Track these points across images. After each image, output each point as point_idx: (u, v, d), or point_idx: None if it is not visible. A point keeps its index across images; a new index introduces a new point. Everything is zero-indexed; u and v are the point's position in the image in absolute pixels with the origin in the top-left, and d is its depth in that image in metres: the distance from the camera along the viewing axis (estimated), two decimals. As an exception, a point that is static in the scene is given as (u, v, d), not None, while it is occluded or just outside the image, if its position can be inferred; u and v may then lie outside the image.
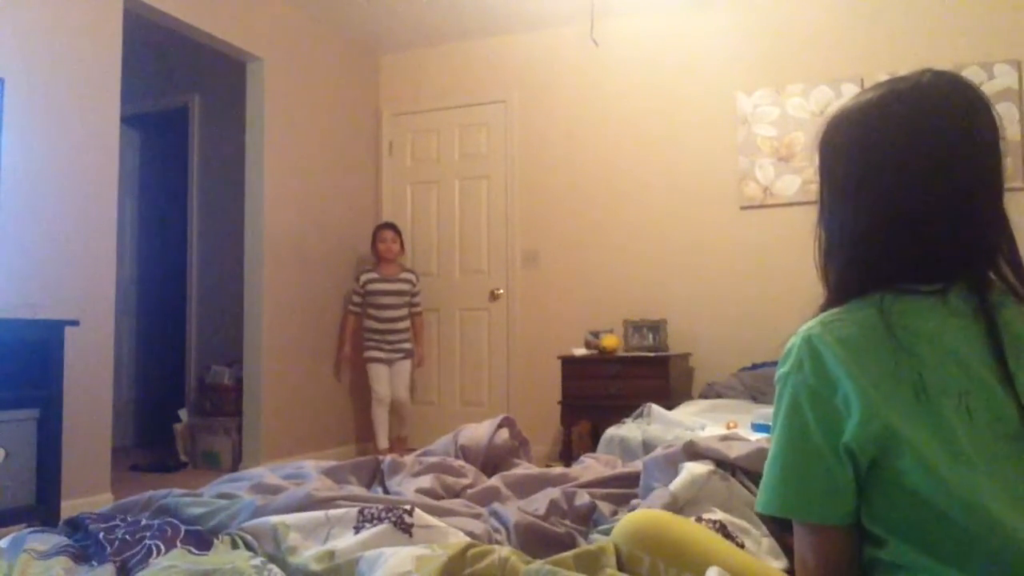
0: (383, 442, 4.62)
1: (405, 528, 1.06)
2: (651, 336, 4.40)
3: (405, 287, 4.80)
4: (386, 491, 1.56)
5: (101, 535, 1.10)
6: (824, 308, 0.96)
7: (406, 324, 4.82)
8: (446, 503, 1.40)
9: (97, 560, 1.06)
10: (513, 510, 1.31)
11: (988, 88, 4.07)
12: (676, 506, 1.24)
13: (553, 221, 4.97)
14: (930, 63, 3.98)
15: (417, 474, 1.59)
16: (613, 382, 4.21)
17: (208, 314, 5.18)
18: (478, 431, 1.88)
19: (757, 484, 1.39)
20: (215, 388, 4.74)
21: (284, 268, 4.57)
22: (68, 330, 2.99)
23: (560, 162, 4.98)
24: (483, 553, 0.97)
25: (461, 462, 1.71)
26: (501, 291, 5.06)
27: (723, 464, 1.40)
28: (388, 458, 1.68)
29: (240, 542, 1.09)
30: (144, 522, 1.16)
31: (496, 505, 1.38)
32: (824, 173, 1.00)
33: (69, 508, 2.97)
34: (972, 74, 4.10)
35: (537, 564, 0.98)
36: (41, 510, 2.77)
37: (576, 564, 0.99)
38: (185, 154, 5.35)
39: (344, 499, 1.20)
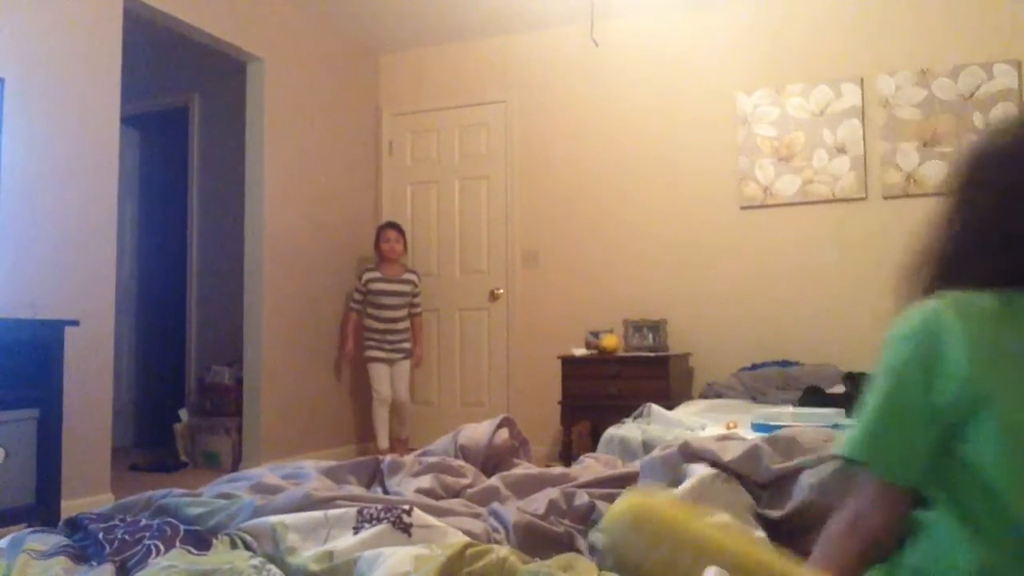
0: (383, 442, 4.62)
1: (404, 528, 1.06)
2: (651, 336, 4.40)
3: (407, 287, 4.79)
4: (386, 491, 1.56)
5: (100, 535, 1.10)
6: (928, 291, 1.04)
7: (406, 324, 4.82)
8: (445, 503, 1.40)
9: (96, 560, 1.06)
10: (512, 510, 1.31)
11: (988, 88, 4.07)
12: None
13: (553, 221, 4.98)
14: (930, 63, 3.98)
15: (417, 474, 1.59)
16: (613, 382, 4.21)
17: (208, 314, 5.18)
18: (478, 431, 1.88)
19: (749, 489, 1.40)
20: (215, 388, 4.74)
21: (284, 268, 4.57)
22: (68, 330, 2.99)
23: (560, 162, 4.98)
24: (481, 553, 0.97)
25: (461, 462, 1.71)
26: (501, 291, 5.06)
27: (718, 466, 1.41)
28: (388, 458, 1.68)
29: (239, 542, 1.09)
30: (144, 522, 1.16)
31: (495, 505, 1.38)
32: (964, 200, 1.09)
33: (69, 508, 2.97)
34: (972, 74, 4.10)
35: (535, 564, 0.98)
36: (41, 510, 2.77)
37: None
38: (185, 154, 5.35)
39: (343, 499, 1.20)
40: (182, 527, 1.11)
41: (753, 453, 1.41)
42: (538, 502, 1.35)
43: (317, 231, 4.87)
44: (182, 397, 5.17)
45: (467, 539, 1.03)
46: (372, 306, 4.74)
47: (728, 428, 2.77)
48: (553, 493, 1.38)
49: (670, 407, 3.58)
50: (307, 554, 1.03)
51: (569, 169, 4.96)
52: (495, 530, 1.27)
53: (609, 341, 4.35)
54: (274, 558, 1.05)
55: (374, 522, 1.07)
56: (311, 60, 4.85)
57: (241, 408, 4.45)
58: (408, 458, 1.70)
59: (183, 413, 4.84)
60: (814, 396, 3.43)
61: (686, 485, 1.30)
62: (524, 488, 1.54)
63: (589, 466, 1.74)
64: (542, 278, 4.98)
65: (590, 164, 4.91)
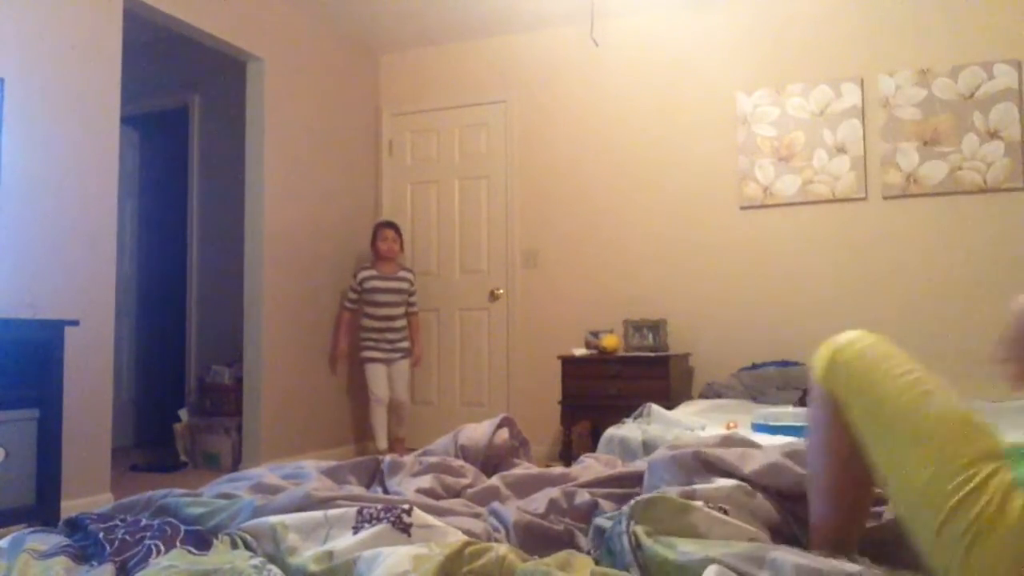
0: (382, 443, 4.62)
1: (404, 528, 1.06)
2: (651, 336, 4.40)
3: (404, 285, 4.79)
4: (386, 491, 1.56)
5: (101, 535, 1.10)
6: None
7: (404, 323, 4.81)
8: (445, 503, 1.40)
9: (97, 560, 1.06)
10: (512, 510, 1.31)
11: (988, 88, 4.07)
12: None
13: (553, 221, 4.98)
14: (930, 63, 3.99)
15: (417, 474, 1.59)
16: (613, 382, 4.21)
17: (208, 314, 5.18)
18: (478, 431, 1.88)
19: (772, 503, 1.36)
20: (215, 388, 4.74)
21: (284, 268, 4.57)
22: (68, 330, 2.99)
23: (560, 162, 4.98)
24: (480, 551, 0.97)
25: (461, 462, 1.71)
26: (501, 291, 5.06)
27: (737, 477, 1.36)
28: (388, 458, 1.68)
29: (240, 542, 1.09)
30: (144, 522, 1.16)
31: (495, 504, 1.38)
32: None
33: (69, 508, 2.97)
34: (972, 74, 4.10)
35: (533, 562, 0.98)
36: (41, 510, 2.77)
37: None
38: (185, 154, 5.36)
39: (343, 499, 1.20)
40: (182, 527, 1.11)
41: (776, 466, 1.35)
42: (538, 502, 1.35)
43: (317, 231, 4.87)
44: (182, 397, 5.17)
45: (466, 538, 1.03)
46: (369, 305, 4.71)
47: (728, 428, 2.77)
48: (553, 492, 1.38)
49: (670, 407, 3.58)
50: (307, 554, 1.03)
51: (569, 169, 4.96)
52: (495, 530, 1.27)
53: (609, 341, 4.35)
54: (274, 558, 1.05)
55: (374, 522, 1.07)
56: (311, 60, 4.85)
57: (241, 408, 4.45)
58: (408, 458, 1.70)
59: (183, 413, 4.84)
60: (814, 396, 3.42)
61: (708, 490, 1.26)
62: (524, 488, 1.54)
63: (589, 466, 1.74)
64: (542, 278, 4.98)
65: (590, 164, 4.91)
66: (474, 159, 5.21)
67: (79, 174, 3.38)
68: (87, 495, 3.29)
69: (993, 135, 4.05)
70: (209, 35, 4.12)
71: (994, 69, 4.06)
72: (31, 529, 1.18)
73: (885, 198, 4.26)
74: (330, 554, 1.01)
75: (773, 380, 4.02)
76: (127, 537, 1.08)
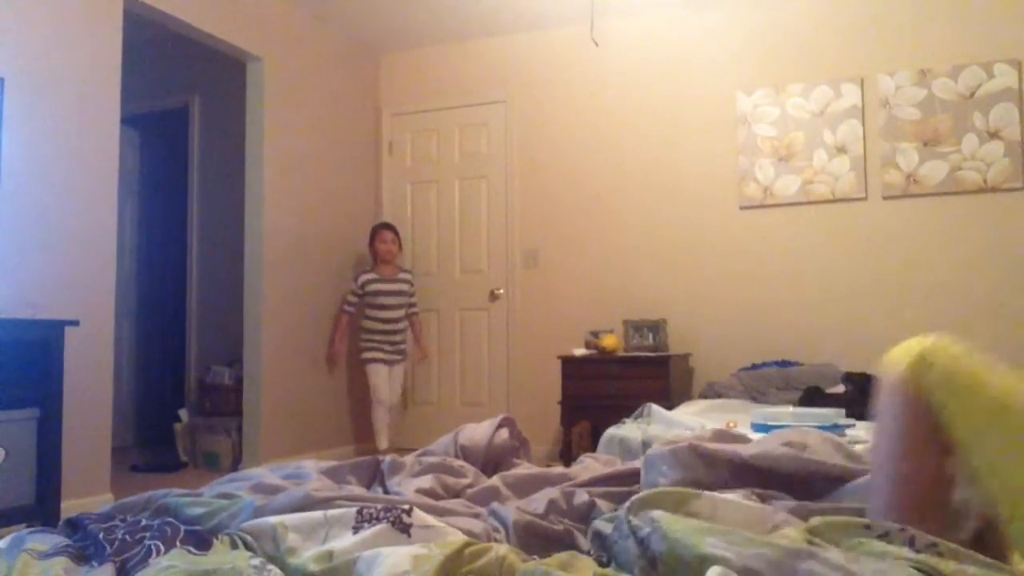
0: (383, 443, 4.62)
1: (404, 528, 1.06)
2: (651, 336, 4.40)
3: (404, 287, 4.79)
4: (386, 491, 1.56)
5: (100, 535, 1.10)
6: None
7: (405, 325, 4.82)
8: (445, 503, 1.40)
9: (97, 560, 1.06)
10: (512, 510, 1.31)
11: (988, 88, 4.07)
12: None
13: (553, 221, 4.98)
14: (930, 63, 3.99)
15: (417, 474, 1.59)
16: (613, 382, 4.21)
17: (208, 314, 5.18)
18: (478, 431, 1.88)
19: (769, 483, 1.34)
20: (215, 388, 4.74)
21: (284, 268, 4.57)
22: (68, 330, 2.99)
23: (560, 162, 4.98)
24: (480, 552, 0.97)
25: (461, 462, 1.71)
26: (501, 291, 5.06)
27: (741, 466, 1.36)
28: (388, 458, 1.68)
29: (240, 542, 1.09)
30: (144, 522, 1.16)
31: (495, 505, 1.38)
32: None
33: (69, 508, 2.97)
34: (972, 74, 4.10)
35: (533, 563, 0.98)
36: (41, 510, 2.78)
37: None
38: (185, 154, 5.36)
39: (343, 499, 1.20)
40: (182, 527, 1.11)
41: (770, 450, 1.36)
42: (538, 502, 1.35)
43: (317, 231, 4.87)
44: (182, 397, 5.18)
45: (466, 538, 1.03)
46: (372, 308, 4.70)
47: (728, 428, 2.77)
48: (553, 492, 1.38)
49: (670, 407, 3.58)
50: (307, 554, 1.03)
51: (569, 169, 4.96)
52: (495, 530, 1.27)
53: (609, 341, 4.35)
54: (274, 558, 1.05)
55: (373, 522, 1.07)
56: (311, 60, 4.85)
57: (241, 408, 4.45)
58: (408, 458, 1.70)
59: (183, 413, 4.84)
60: (814, 396, 3.43)
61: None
62: (524, 488, 1.54)
63: (589, 466, 1.74)
64: (542, 278, 4.98)
65: (590, 164, 4.91)
66: (474, 159, 5.21)
67: (79, 174, 3.38)
68: (87, 495, 3.29)
69: (993, 135, 4.05)
70: (209, 35, 4.12)
71: (994, 69, 4.06)
72: (31, 529, 1.18)
73: (885, 198, 4.26)
74: (330, 554, 1.00)
75: (773, 380, 4.02)
76: (127, 537, 1.08)
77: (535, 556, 1.07)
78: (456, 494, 1.54)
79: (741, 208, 4.54)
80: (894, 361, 1.17)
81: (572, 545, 1.23)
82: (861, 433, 2.48)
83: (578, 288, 4.88)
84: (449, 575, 0.93)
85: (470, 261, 5.18)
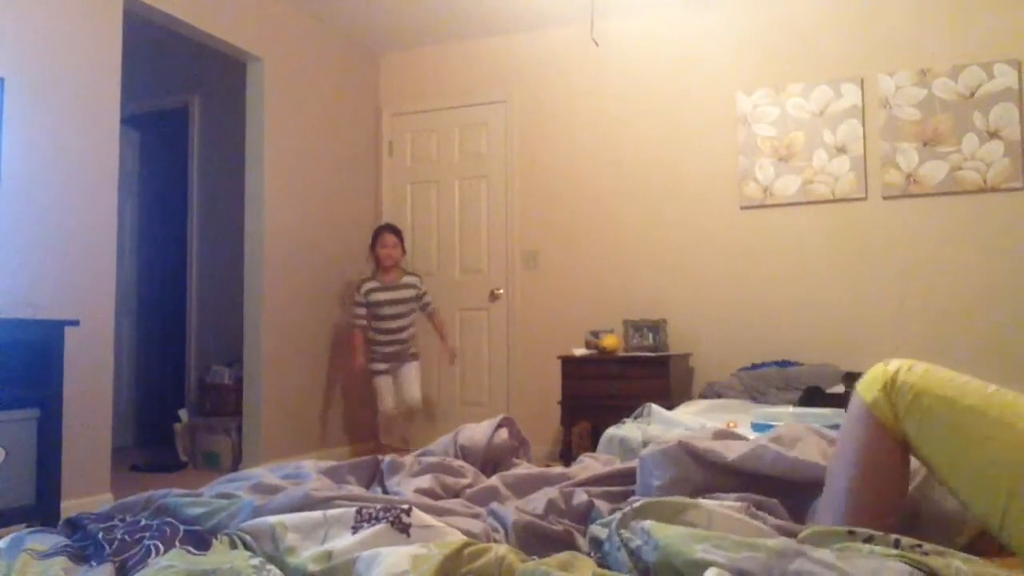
0: (385, 439, 4.63)
1: (403, 528, 1.06)
2: (651, 336, 4.40)
3: (409, 293, 4.61)
4: (385, 491, 1.56)
5: (100, 535, 1.10)
6: None
7: (412, 331, 4.65)
8: (444, 503, 1.40)
9: (96, 560, 1.06)
10: (511, 509, 1.31)
11: (988, 88, 4.07)
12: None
13: (553, 221, 4.98)
14: (930, 63, 3.99)
15: (416, 474, 1.59)
16: (613, 382, 4.21)
17: (208, 314, 5.18)
18: (478, 431, 1.88)
19: (752, 487, 1.37)
20: (215, 388, 4.74)
21: (284, 268, 4.57)
22: (68, 330, 2.99)
23: (560, 162, 4.98)
24: (480, 552, 0.97)
25: (460, 462, 1.71)
26: (501, 291, 5.06)
27: (723, 467, 1.38)
28: (387, 458, 1.68)
29: (239, 542, 1.09)
30: (143, 522, 1.16)
31: (494, 505, 1.38)
32: None
33: (69, 508, 2.97)
34: (972, 74, 4.10)
35: (532, 563, 0.98)
36: (41, 510, 2.78)
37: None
38: (185, 154, 5.36)
39: (342, 499, 1.20)
40: (182, 527, 1.11)
41: (758, 449, 1.38)
42: (537, 502, 1.35)
43: (317, 231, 4.87)
44: (182, 397, 5.18)
45: (465, 538, 1.03)
46: (375, 318, 4.57)
47: (728, 428, 2.77)
48: (552, 492, 1.38)
49: (670, 407, 3.58)
50: (306, 554, 1.03)
51: (569, 169, 4.96)
52: (494, 530, 1.27)
53: (609, 341, 4.35)
54: (273, 558, 1.05)
55: (372, 522, 1.07)
56: (311, 60, 4.85)
57: (241, 408, 4.45)
58: (408, 458, 1.70)
59: (183, 413, 4.84)
60: (814, 396, 3.43)
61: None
62: (523, 488, 1.54)
63: (588, 466, 1.74)
64: (542, 278, 4.98)
65: (590, 164, 4.91)
66: (474, 159, 5.21)
67: (79, 174, 3.38)
68: (87, 495, 3.29)
69: (993, 135, 4.05)
70: (209, 35, 4.12)
71: (994, 69, 4.06)
72: (31, 529, 1.18)
73: (885, 198, 4.26)
74: (329, 554, 1.00)
75: (773, 380, 4.02)
76: (126, 537, 1.08)
77: (534, 556, 1.07)
78: (455, 494, 1.54)
79: (741, 208, 4.54)
80: (863, 387, 1.19)
81: (571, 545, 1.23)
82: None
83: (578, 288, 4.88)
84: (448, 575, 0.93)
85: (470, 261, 5.18)
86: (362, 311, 4.57)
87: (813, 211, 4.41)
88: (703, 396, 4.20)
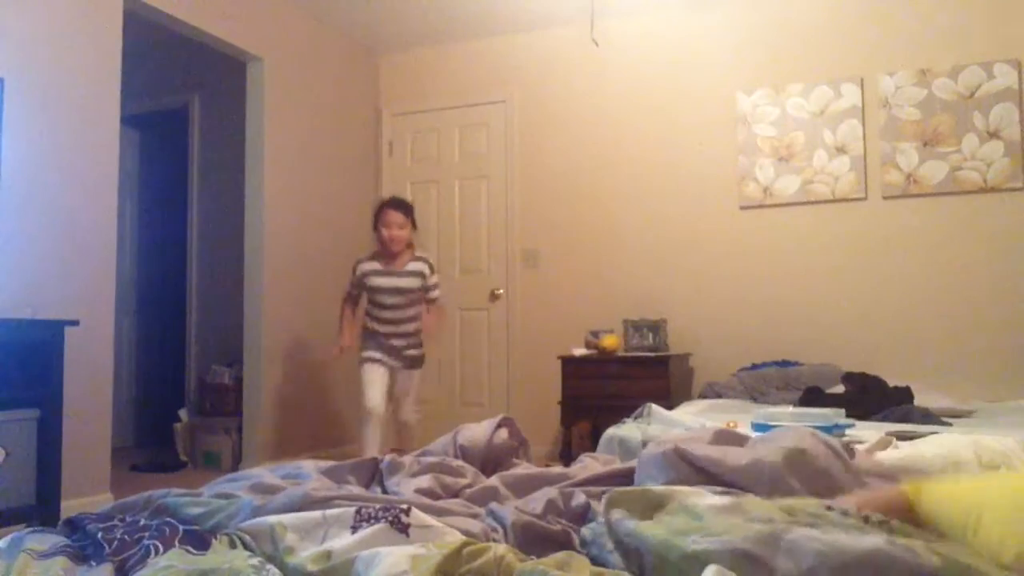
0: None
1: (402, 528, 1.06)
2: (651, 336, 4.40)
3: (415, 282, 3.79)
4: (385, 491, 1.56)
5: (99, 535, 1.10)
6: None
7: (416, 326, 3.84)
8: (444, 503, 1.40)
9: (95, 560, 1.06)
10: (511, 509, 1.31)
11: (988, 88, 4.07)
12: None
13: (553, 221, 4.98)
14: (930, 63, 4.00)
15: (416, 474, 1.59)
16: (613, 382, 4.21)
17: (208, 314, 5.18)
18: (477, 431, 1.88)
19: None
20: (215, 388, 4.74)
21: (284, 268, 4.57)
22: (68, 330, 2.99)
23: (560, 162, 4.98)
24: (479, 551, 0.97)
25: (460, 462, 1.71)
26: (501, 291, 5.06)
27: (717, 479, 1.36)
28: (387, 458, 1.68)
29: (238, 542, 1.09)
30: (143, 522, 1.16)
31: (494, 505, 1.38)
32: None
33: (69, 508, 2.97)
34: (972, 74, 4.10)
35: (531, 562, 0.98)
36: (41, 510, 2.78)
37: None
38: (185, 154, 5.36)
39: (341, 499, 1.20)
40: (181, 527, 1.11)
41: (757, 463, 1.35)
42: (536, 502, 1.35)
43: (317, 231, 4.87)
44: (182, 397, 5.18)
45: (464, 538, 1.03)
46: (372, 304, 3.81)
47: (728, 428, 2.76)
48: (551, 492, 1.38)
49: (670, 407, 3.58)
50: (305, 554, 1.03)
51: (569, 169, 4.96)
52: (493, 530, 1.27)
53: (609, 341, 4.35)
54: (273, 558, 1.05)
55: (372, 522, 1.07)
56: (311, 60, 4.85)
57: (241, 408, 4.45)
58: (407, 458, 1.70)
59: (183, 413, 4.84)
60: (814, 396, 3.43)
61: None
62: (523, 488, 1.54)
63: (588, 466, 1.74)
64: (542, 278, 4.98)
65: (590, 164, 4.91)
66: (474, 159, 5.21)
67: (79, 174, 3.38)
68: (87, 495, 3.29)
69: (993, 135, 4.05)
70: (209, 35, 4.12)
71: (994, 69, 4.06)
72: (31, 529, 1.18)
73: (885, 198, 4.26)
74: (328, 554, 1.01)
75: (773, 380, 4.02)
76: (126, 537, 1.08)
77: (533, 556, 1.07)
78: (455, 494, 1.54)
79: (741, 208, 4.54)
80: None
81: (570, 545, 1.23)
82: (861, 433, 2.48)
83: (578, 288, 4.88)
84: (447, 575, 0.93)
85: (470, 261, 5.18)
86: (355, 291, 3.88)
87: (813, 211, 4.40)
88: (703, 396, 4.19)
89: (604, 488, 1.46)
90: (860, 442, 2.21)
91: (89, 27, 3.45)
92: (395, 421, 3.89)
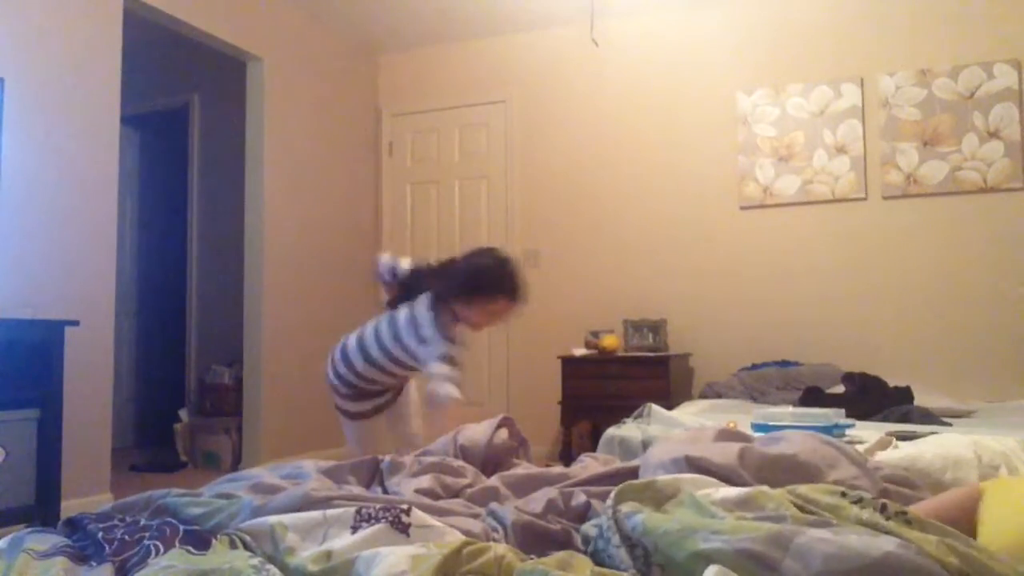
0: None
1: (402, 528, 1.06)
2: (651, 336, 4.40)
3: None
4: (385, 491, 1.55)
5: (100, 535, 1.10)
6: None
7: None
8: (444, 503, 1.40)
9: (96, 560, 1.06)
10: (511, 509, 1.31)
11: (988, 88, 4.07)
12: None
13: (553, 221, 4.97)
14: (930, 63, 4.00)
15: (416, 474, 1.59)
16: (613, 382, 4.21)
17: (208, 314, 5.18)
18: (478, 431, 1.88)
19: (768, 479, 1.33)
20: (215, 388, 4.74)
21: (284, 268, 4.57)
22: (68, 330, 2.99)
23: (560, 162, 4.98)
24: (479, 551, 0.97)
25: (460, 462, 1.71)
26: (501, 291, 5.05)
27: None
28: (387, 458, 1.68)
29: (239, 542, 1.09)
30: (143, 522, 1.16)
31: (494, 505, 1.38)
32: None
33: (69, 508, 2.97)
34: (972, 74, 4.10)
35: (531, 562, 0.98)
36: (41, 510, 2.77)
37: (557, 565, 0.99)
38: (185, 154, 5.36)
39: (342, 499, 1.20)
40: (181, 527, 1.11)
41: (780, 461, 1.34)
42: (537, 502, 1.35)
43: (317, 231, 4.87)
44: (182, 397, 5.17)
45: (464, 538, 1.03)
46: (374, 366, 2.71)
47: (728, 427, 2.76)
48: (552, 492, 1.38)
49: (670, 407, 3.58)
50: (305, 555, 1.03)
51: (569, 169, 4.96)
52: (494, 530, 1.27)
53: (609, 341, 4.35)
54: (273, 558, 1.05)
55: (372, 522, 1.07)
56: (311, 60, 4.85)
57: (241, 408, 4.45)
58: (407, 458, 1.70)
59: (183, 413, 4.84)
60: (814, 396, 3.43)
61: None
62: (523, 488, 1.54)
63: (588, 466, 1.74)
64: (542, 278, 4.97)
65: (590, 164, 4.90)
66: (474, 159, 5.21)
67: (79, 174, 3.38)
68: (87, 495, 3.29)
69: (993, 135, 4.05)
70: (209, 35, 4.12)
71: (994, 69, 4.06)
72: (31, 529, 1.18)
73: (885, 198, 4.26)
74: (328, 554, 1.00)
75: (773, 380, 4.01)
76: (126, 537, 1.08)
77: (533, 556, 1.07)
78: (455, 494, 1.54)
79: (741, 208, 4.54)
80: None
81: (570, 545, 1.23)
82: (861, 433, 2.48)
83: (578, 288, 4.88)
84: (448, 575, 0.93)
85: (470, 261, 5.17)
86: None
87: (813, 211, 4.40)
88: (703, 396, 4.19)
89: (605, 488, 1.46)
90: (860, 442, 2.21)
91: (89, 27, 3.44)
92: (400, 441, 3.00)
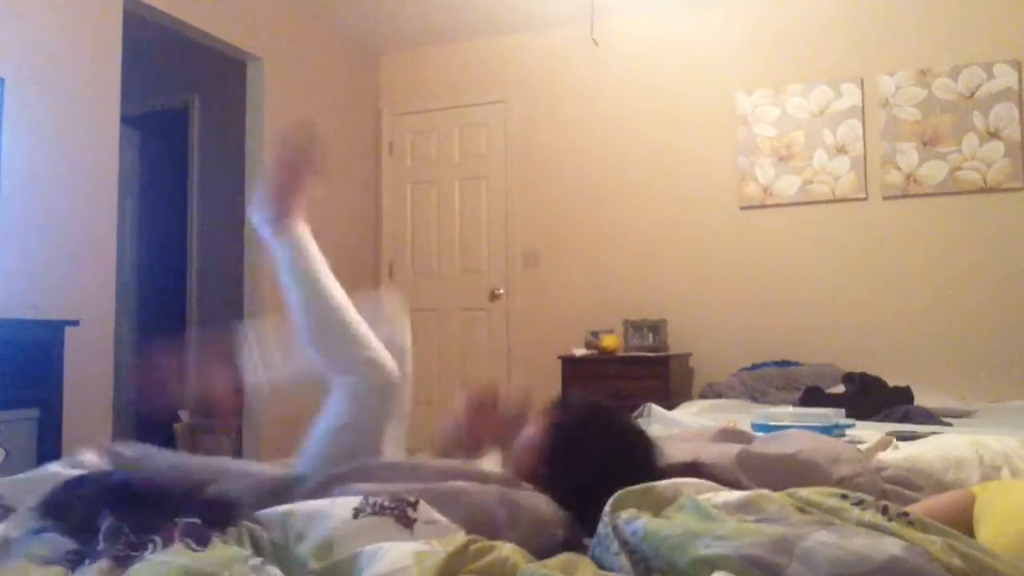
0: None
1: (407, 523, 1.05)
2: (651, 336, 4.40)
3: None
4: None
5: (103, 531, 1.09)
6: None
7: None
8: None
9: (91, 559, 1.05)
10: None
11: (988, 88, 4.07)
12: None
13: (553, 221, 4.97)
14: (930, 63, 4.00)
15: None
16: (613, 382, 4.21)
17: (208, 314, 5.18)
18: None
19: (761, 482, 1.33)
20: (215, 388, 4.72)
21: (284, 268, 4.56)
22: (68, 330, 2.99)
23: (560, 162, 4.98)
24: (485, 550, 0.97)
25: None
26: (501, 291, 5.06)
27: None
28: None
29: (246, 536, 1.08)
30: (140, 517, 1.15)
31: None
32: None
33: (69, 508, 2.96)
34: (972, 74, 4.10)
35: (536, 563, 0.98)
36: (41, 510, 2.76)
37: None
38: (185, 154, 5.35)
39: (357, 481, 1.21)
40: (180, 520, 1.10)
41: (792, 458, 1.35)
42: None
43: (317, 231, 4.85)
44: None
45: (470, 536, 1.03)
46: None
47: (729, 427, 2.76)
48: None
49: (670, 407, 3.57)
50: (308, 546, 1.02)
51: (569, 169, 4.96)
52: (497, 528, 1.26)
53: (609, 341, 4.34)
54: (284, 547, 1.04)
55: (377, 512, 1.06)
56: (311, 60, 4.85)
57: (241, 408, 4.44)
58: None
59: (183, 413, 4.83)
60: (814, 396, 3.43)
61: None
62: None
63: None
64: (542, 278, 4.97)
65: (590, 164, 4.90)
66: (474, 159, 5.21)
67: (79, 174, 3.37)
68: (87, 495, 3.28)
69: (993, 135, 4.05)
70: (209, 35, 4.12)
71: (994, 69, 4.06)
72: (34, 528, 1.17)
73: (885, 198, 4.26)
74: (330, 548, 1.00)
75: (773, 380, 4.01)
76: (126, 530, 1.07)
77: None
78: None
79: (741, 208, 4.54)
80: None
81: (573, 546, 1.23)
82: (861, 433, 2.47)
83: (578, 288, 4.88)
84: (452, 573, 0.92)
85: (470, 261, 5.17)
86: None
87: (813, 211, 4.40)
88: (703, 396, 4.19)
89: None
90: (860, 442, 2.21)
91: (89, 27, 3.44)
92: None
